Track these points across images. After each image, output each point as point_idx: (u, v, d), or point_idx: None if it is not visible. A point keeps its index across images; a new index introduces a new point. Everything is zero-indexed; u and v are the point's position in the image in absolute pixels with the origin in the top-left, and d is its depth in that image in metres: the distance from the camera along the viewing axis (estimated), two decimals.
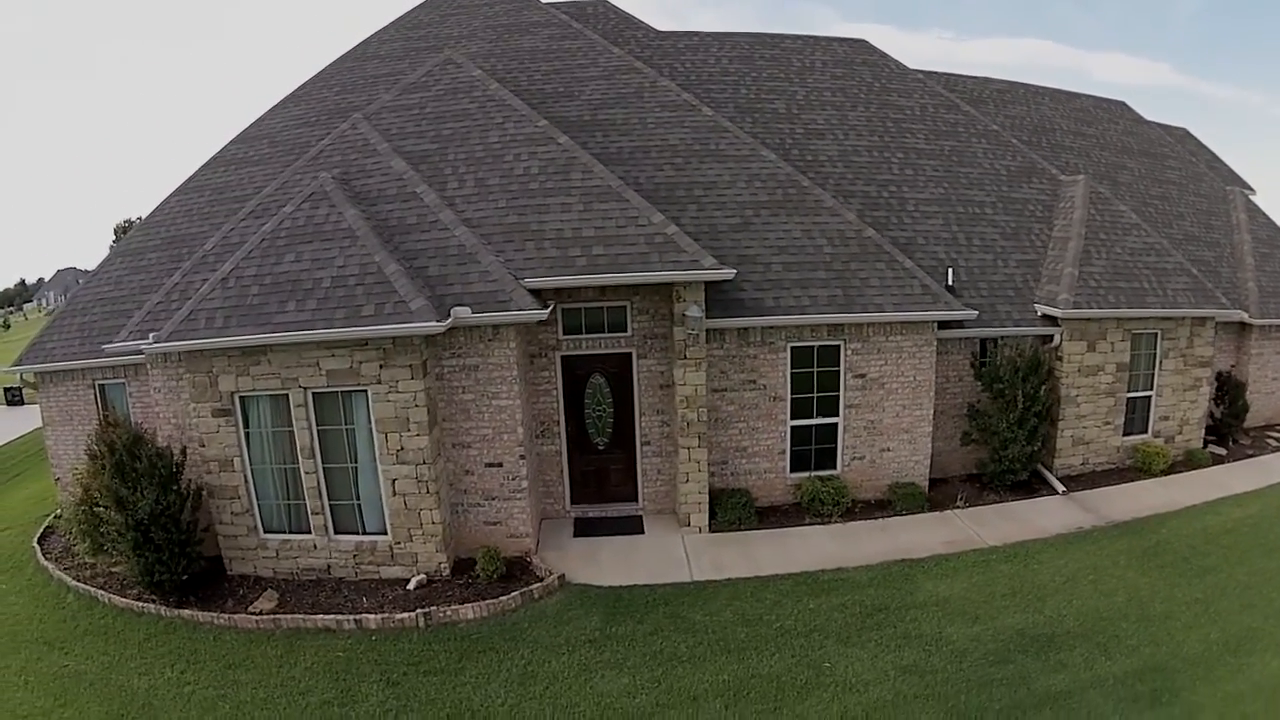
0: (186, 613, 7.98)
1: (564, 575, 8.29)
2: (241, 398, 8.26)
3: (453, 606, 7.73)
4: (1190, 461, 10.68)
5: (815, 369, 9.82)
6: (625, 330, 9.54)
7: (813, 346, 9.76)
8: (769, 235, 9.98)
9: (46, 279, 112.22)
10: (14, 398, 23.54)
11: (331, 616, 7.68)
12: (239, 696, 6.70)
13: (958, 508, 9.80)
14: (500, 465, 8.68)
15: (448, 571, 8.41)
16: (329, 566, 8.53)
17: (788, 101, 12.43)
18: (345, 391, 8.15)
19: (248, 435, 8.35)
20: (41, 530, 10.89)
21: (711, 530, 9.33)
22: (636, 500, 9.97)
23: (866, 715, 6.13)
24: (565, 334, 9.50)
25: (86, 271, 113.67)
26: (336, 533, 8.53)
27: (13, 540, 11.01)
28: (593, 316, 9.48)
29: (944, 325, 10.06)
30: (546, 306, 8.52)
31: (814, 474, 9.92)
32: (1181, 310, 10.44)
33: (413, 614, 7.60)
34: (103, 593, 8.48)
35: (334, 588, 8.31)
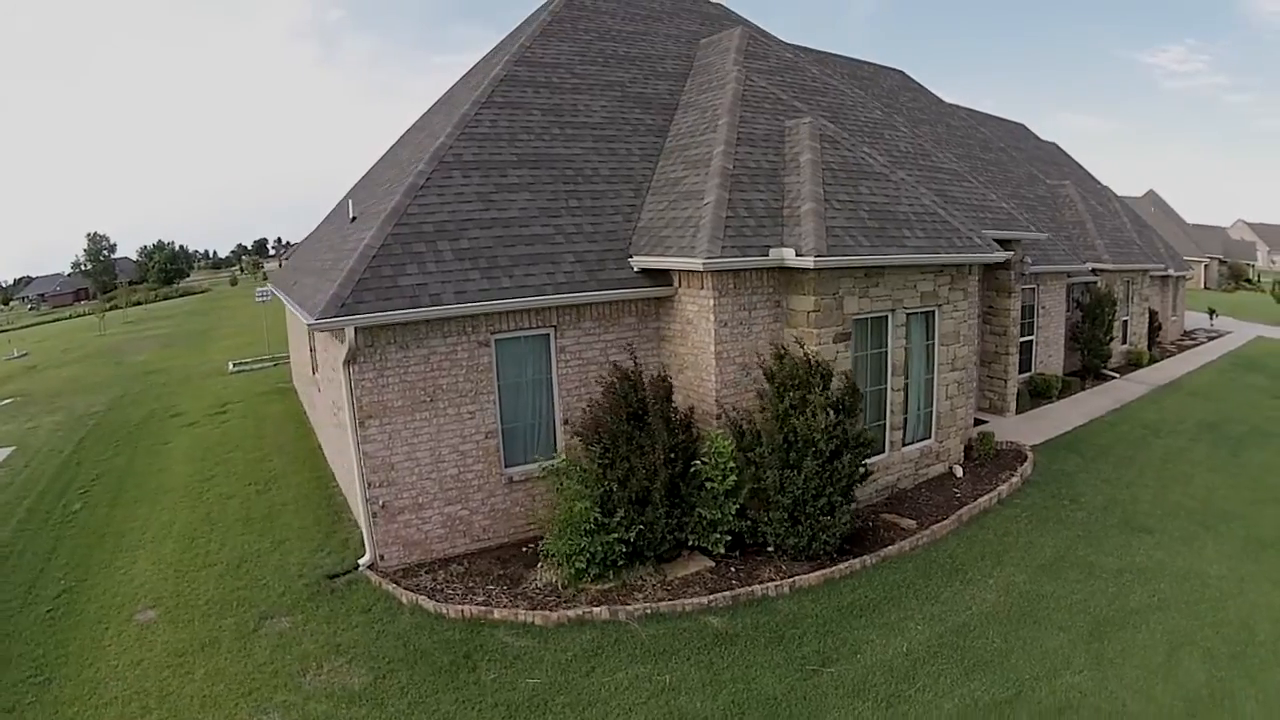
0: (891, 550, 7.91)
1: (1017, 441, 11.32)
2: (855, 320, 8.75)
3: (1022, 466, 10.32)
4: (1150, 359, 18.37)
5: (1031, 303, 14.35)
6: None
7: (1033, 288, 14.24)
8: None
9: None
10: None
11: (987, 495, 9.28)
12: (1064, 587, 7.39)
13: (1086, 389, 15.35)
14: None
15: (961, 458, 10.46)
16: (898, 480, 9.49)
17: (904, 117, 16.33)
18: (923, 312, 9.48)
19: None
20: (403, 583, 7.33)
21: (1016, 413, 13.12)
22: None
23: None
24: None
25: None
26: (902, 445, 9.52)
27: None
28: None
29: None
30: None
31: (1030, 374, 14.41)
32: (1143, 265, 17.92)
33: (1014, 482, 9.88)
34: (760, 587, 7.18)
35: (908, 497, 9.33)
